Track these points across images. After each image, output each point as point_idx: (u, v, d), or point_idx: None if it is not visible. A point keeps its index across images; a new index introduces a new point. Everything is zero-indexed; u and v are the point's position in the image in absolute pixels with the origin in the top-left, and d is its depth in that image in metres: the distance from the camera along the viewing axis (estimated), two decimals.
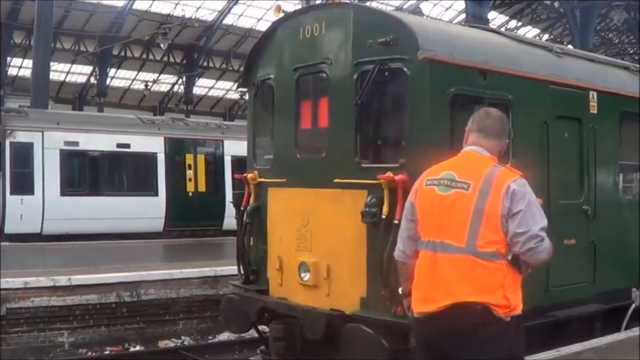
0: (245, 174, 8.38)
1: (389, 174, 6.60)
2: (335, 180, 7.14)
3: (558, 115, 7.85)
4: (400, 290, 4.48)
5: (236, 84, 48.42)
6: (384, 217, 6.60)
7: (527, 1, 42.89)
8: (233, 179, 21.54)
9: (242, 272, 8.35)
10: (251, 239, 8.30)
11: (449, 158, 4.29)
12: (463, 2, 29.63)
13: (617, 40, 49.26)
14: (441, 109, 6.75)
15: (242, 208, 8.33)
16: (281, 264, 7.77)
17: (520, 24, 46.97)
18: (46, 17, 23.95)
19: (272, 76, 8.18)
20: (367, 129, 7.41)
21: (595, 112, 8.40)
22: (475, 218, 3.86)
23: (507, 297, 3.83)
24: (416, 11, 7.96)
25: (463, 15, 36.31)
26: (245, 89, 9.41)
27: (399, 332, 6.50)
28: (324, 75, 7.54)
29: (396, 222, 6.49)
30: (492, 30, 8.83)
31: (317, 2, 19.48)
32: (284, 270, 7.74)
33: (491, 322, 3.79)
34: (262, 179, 8.21)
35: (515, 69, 7.48)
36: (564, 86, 8.00)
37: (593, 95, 8.40)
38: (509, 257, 3.88)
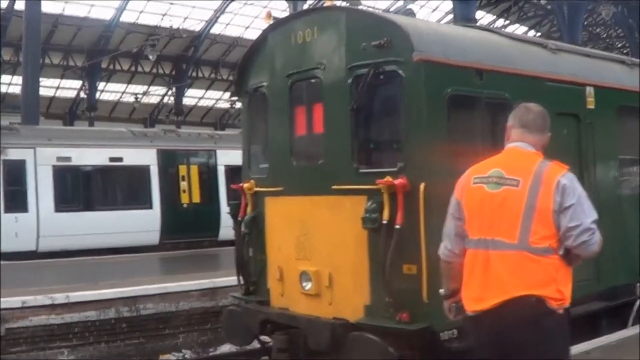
0: (241, 184, 8.27)
1: (388, 178, 6.50)
2: (333, 187, 7.03)
3: (556, 112, 7.76)
4: (441, 291, 4.42)
5: (226, 93, 48.46)
6: (384, 222, 6.49)
7: None
8: (227, 189, 21.45)
9: (243, 283, 8.24)
10: (250, 249, 8.18)
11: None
12: (450, 2, 29.63)
13: (604, 35, 49.37)
14: (438, 111, 6.66)
15: (239, 218, 8.21)
16: (282, 274, 7.64)
17: (507, 22, 47.06)
18: (34, 32, 23.82)
19: (265, 84, 8.07)
20: (364, 133, 7.29)
21: (592, 107, 8.34)
22: (527, 214, 3.89)
23: (560, 290, 3.87)
24: (408, 12, 7.87)
25: (450, 16, 36.36)
26: (235, 98, 9.30)
27: (405, 338, 6.41)
28: (318, 80, 7.43)
29: (397, 227, 6.41)
30: (486, 29, 8.76)
31: (305, 7, 19.41)
32: (285, 280, 7.62)
33: (547, 313, 3.83)
34: (258, 188, 8.08)
35: (511, 67, 7.41)
36: (560, 82, 7.93)
37: (590, 90, 8.34)
38: (561, 252, 3.91)
